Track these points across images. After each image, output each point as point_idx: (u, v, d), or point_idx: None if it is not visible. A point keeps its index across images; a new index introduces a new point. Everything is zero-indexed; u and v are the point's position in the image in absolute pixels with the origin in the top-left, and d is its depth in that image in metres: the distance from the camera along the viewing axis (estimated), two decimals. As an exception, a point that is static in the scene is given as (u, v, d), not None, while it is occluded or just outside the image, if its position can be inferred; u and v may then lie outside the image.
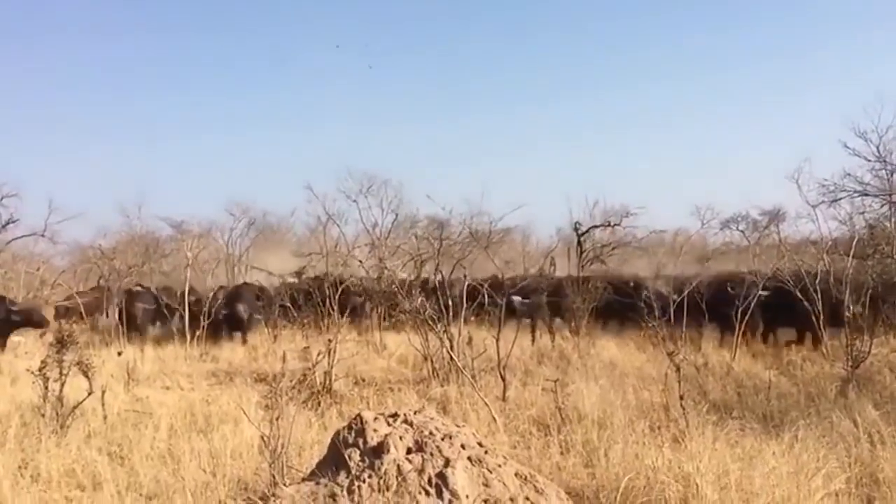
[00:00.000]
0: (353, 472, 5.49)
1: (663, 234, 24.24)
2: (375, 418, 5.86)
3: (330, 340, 11.26)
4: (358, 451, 5.63)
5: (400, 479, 5.37)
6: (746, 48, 60.57)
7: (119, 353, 13.16)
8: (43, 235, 24.81)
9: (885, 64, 50.58)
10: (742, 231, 27.43)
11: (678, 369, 8.90)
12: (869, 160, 15.14)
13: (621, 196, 25.35)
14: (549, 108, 61.21)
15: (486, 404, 9.39)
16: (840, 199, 16.57)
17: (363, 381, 12.53)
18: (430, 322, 11.55)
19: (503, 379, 10.98)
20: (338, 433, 5.80)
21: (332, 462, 5.71)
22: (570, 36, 63.74)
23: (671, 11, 62.45)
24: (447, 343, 11.78)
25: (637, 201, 24.58)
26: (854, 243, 12.78)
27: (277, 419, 6.33)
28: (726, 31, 60.69)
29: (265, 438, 6.36)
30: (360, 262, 18.59)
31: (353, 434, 5.73)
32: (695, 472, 6.29)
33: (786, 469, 6.56)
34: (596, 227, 22.81)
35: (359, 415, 5.87)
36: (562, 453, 7.92)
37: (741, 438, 7.92)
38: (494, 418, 9.05)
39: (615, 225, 22.89)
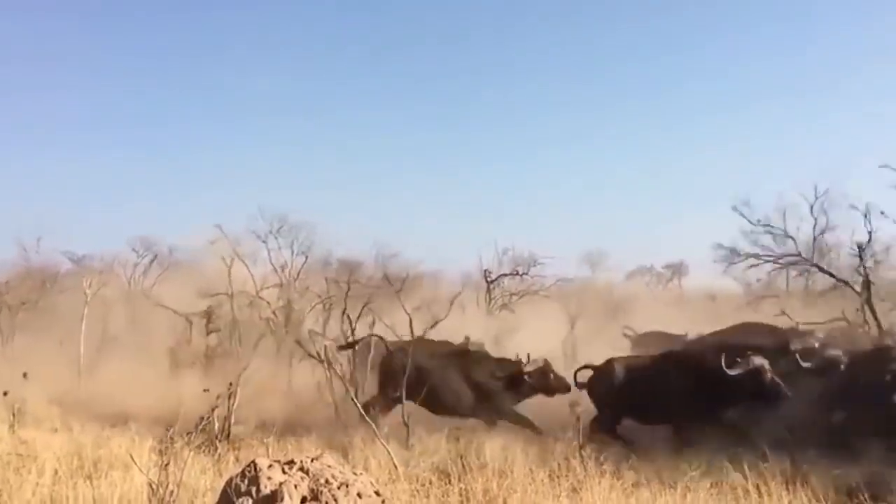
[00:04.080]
0: (245, 522, 5.33)
1: (570, 282, 24.76)
2: (270, 465, 5.71)
3: (231, 384, 10.97)
4: (251, 500, 5.46)
5: (293, 529, 5.24)
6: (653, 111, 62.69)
7: (5, 393, 12.50)
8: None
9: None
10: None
11: (578, 419, 9.03)
12: (753, 224, 15.92)
13: (531, 244, 25.74)
14: (464, 154, 61.89)
15: (387, 451, 9.29)
16: (736, 262, 17.29)
17: (265, 424, 12.23)
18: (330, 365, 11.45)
19: (407, 426, 10.90)
20: (230, 481, 5.62)
21: (223, 511, 5.53)
22: (493, 84, 64.90)
23: (583, 71, 64.30)
24: (352, 389, 11.65)
25: (546, 250, 25.04)
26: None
27: (167, 466, 6.11)
28: (631, 93, 62.81)
29: (153, 485, 6.12)
30: (268, 303, 18.31)
31: (245, 482, 5.57)
32: (590, 522, 6.37)
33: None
34: (505, 275, 23.16)
35: (253, 462, 5.70)
36: (461, 502, 7.88)
37: (637, 489, 8.06)
38: (396, 466, 8.96)
39: (523, 273, 23.29)
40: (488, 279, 22.56)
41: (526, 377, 12.68)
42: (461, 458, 9.03)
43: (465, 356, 13.62)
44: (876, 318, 13.18)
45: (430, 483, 8.57)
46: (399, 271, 15.49)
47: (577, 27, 64.00)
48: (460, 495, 8.01)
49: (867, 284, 13.65)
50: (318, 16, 64.26)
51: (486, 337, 20.01)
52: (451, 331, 16.99)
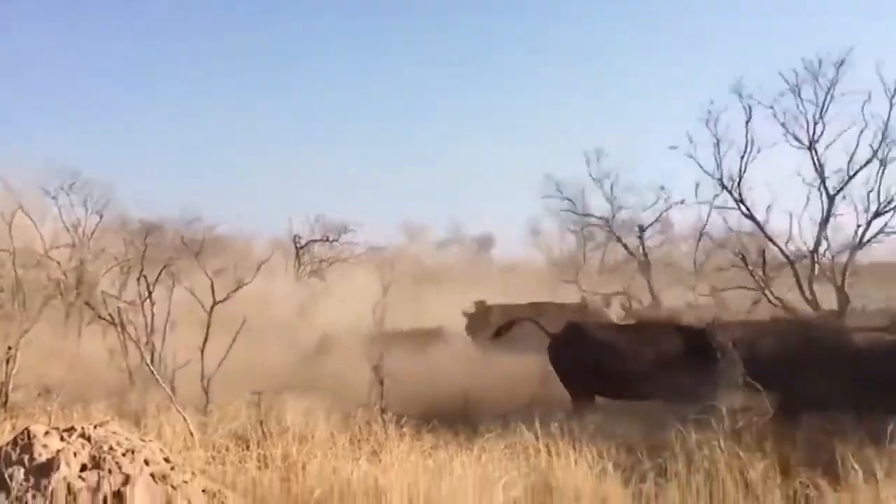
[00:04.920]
0: (15, 492, 4.95)
1: (382, 250, 24.94)
2: (47, 433, 5.33)
3: (10, 348, 10.13)
4: (23, 470, 5.08)
5: (70, 498, 4.92)
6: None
7: None
8: None
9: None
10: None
11: (381, 382, 9.10)
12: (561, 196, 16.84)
13: (342, 212, 25.64)
14: (272, 119, 60.33)
15: (183, 418, 8.95)
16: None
17: (49, 391, 11.43)
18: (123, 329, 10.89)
19: (206, 392, 10.56)
20: (-1, 449, 5.20)
21: (-9, 482, 5.09)
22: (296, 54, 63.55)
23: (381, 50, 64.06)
24: (147, 353, 11.11)
25: (357, 218, 24.98)
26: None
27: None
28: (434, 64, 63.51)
29: None
30: (58, 263, 17.09)
31: (18, 450, 5.17)
32: (386, 484, 6.44)
33: (472, 479, 6.92)
34: (315, 241, 22.98)
35: (26, 429, 5.30)
36: (259, 468, 7.73)
37: (435, 450, 8.23)
38: (191, 433, 8.66)
39: (334, 240, 23.22)
40: (297, 245, 22.27)
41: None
42: (261, 423, 8.86)
43: (646, 327, 11.96)
44: (651, 290, 14.31)
45: (227, 449, 8.34)
46: (204, 234, 14.93)
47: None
48: (258, 461, 7.86)
49: (647, 260, 14.83)
50: None
51: (293, 303, 19.83)
52: (257, 297, 16.66)
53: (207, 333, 11.15)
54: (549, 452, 8.30)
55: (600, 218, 16.25)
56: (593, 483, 7.56)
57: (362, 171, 56.43)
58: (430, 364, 14.48)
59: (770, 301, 13.51)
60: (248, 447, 8.38)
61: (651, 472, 7.88)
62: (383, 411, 8.91)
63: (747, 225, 15.13)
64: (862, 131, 14.90)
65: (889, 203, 14.61)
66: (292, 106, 61.56)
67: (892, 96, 14.69)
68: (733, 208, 15.14)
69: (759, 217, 14.95)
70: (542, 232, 18.53)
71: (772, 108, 15.27)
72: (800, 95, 15.34)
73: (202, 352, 10.97)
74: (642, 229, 15.37)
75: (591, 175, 16.32)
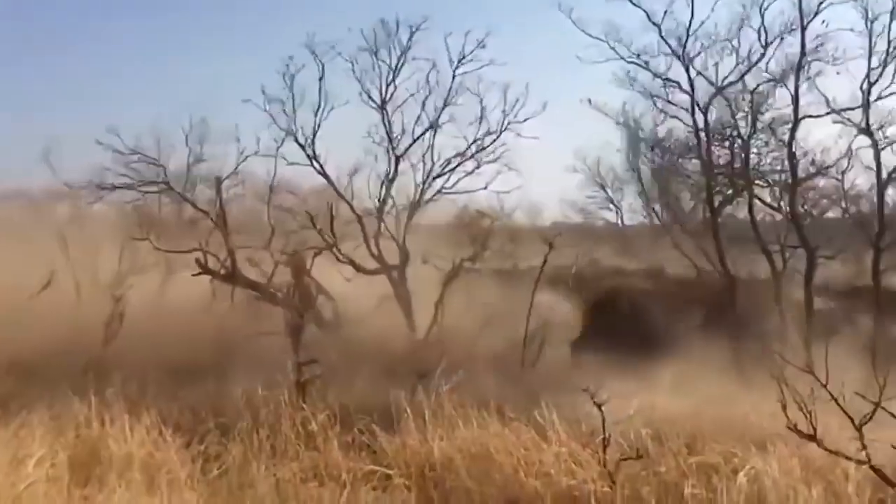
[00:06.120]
0: None
1: None
2: None
3: None
4: None
5: None
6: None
7: None
8: None
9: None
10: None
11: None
12: (123, 153, 15.54)
13: None
14: None
15: None
16: (103, 196, 16.67)
17: None
18: None
19: None
20: None
21: None
22: None
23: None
24: None
25: None
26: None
27: None
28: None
29: None
30: None
31: None
32: None
33: (2, 459, 6.13)
34: None
35: None
36: None
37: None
38: None
39: None
40: None
41: None
42: None
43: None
44: (228, 246, 14.09)
45: None
46: None
47: None
48: None
49: (223, 215, 14.56)
50: None
51: None
52: None
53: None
54: (102, 422, 7.70)
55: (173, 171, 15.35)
56: (150, 449, 7.18)
57: None
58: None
59: (337, 258, 14.11)
60: None
61: (215, 431, 7.74)
62: None
63: (321, 180, 15.55)
64: (427, 97, 15.92)
65: (446, 166, 15.95)
66: None
67: (455, 68, 15.82)
68: (307, 165, 15.43)
69: (332, 173, 15.49)
70: (106, 191, 16.77)
71: (351, 63, 15.58)
72: (376, 55, 15.84)
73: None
74: (219, 181, 14.90)
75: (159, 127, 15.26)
